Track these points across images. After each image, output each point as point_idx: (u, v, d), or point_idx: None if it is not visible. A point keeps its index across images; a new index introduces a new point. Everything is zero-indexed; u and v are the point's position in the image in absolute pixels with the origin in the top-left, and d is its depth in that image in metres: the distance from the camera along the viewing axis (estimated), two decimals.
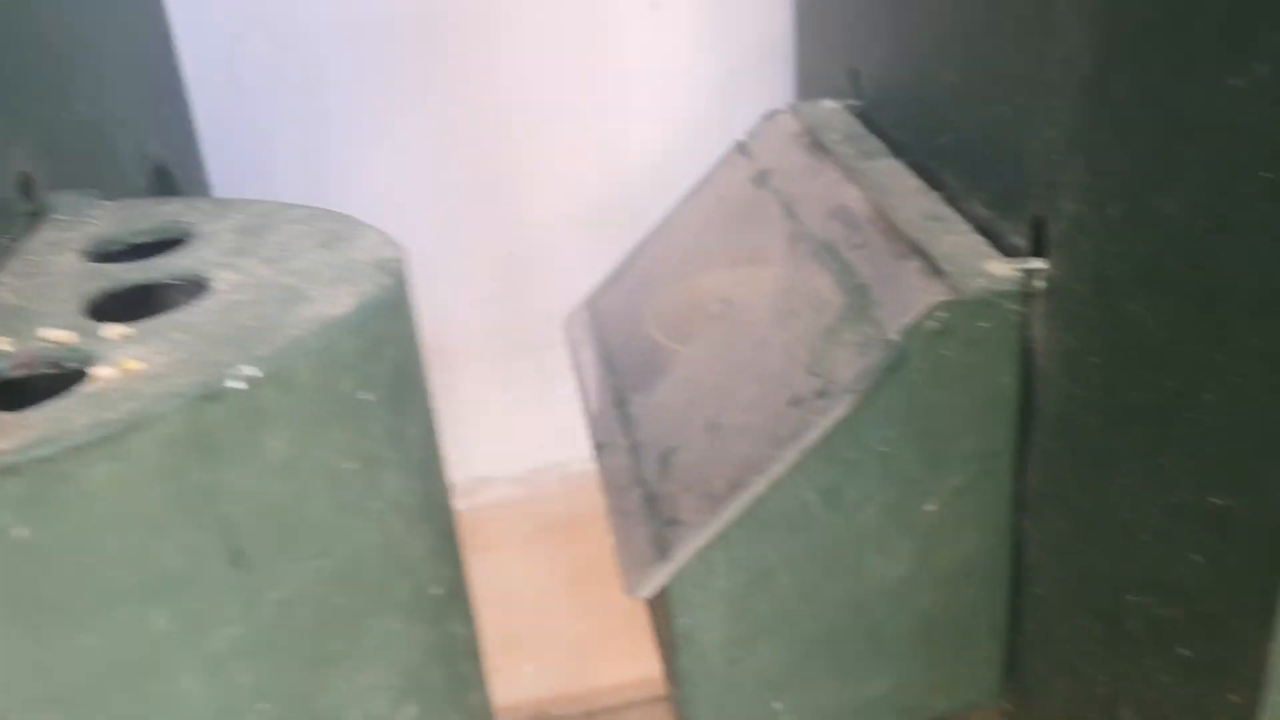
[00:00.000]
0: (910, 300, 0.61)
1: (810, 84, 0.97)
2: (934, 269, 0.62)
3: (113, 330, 0.42)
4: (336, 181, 1.15)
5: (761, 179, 0.82)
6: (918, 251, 0.64)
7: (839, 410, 0.61)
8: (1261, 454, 0.45)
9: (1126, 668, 0.58)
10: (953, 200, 0.69)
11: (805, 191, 0.77)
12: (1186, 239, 0.47)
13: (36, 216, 0.56)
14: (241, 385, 0.38)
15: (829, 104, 0.86)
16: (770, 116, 0.88)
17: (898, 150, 0.78)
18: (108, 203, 0.58)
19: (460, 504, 1.46)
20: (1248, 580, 0.47)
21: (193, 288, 0.46)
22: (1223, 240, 0.45)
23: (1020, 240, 0.62)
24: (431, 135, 1.15)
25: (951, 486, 0.65)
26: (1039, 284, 0.60)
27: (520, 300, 1.23)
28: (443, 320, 1.26)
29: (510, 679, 1.48)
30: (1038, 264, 0.60)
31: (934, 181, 0.72)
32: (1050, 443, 0.62)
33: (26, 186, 0.55)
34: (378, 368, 0.44)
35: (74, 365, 0.40)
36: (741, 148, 0.87)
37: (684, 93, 1.16)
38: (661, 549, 0.64)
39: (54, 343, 0.42)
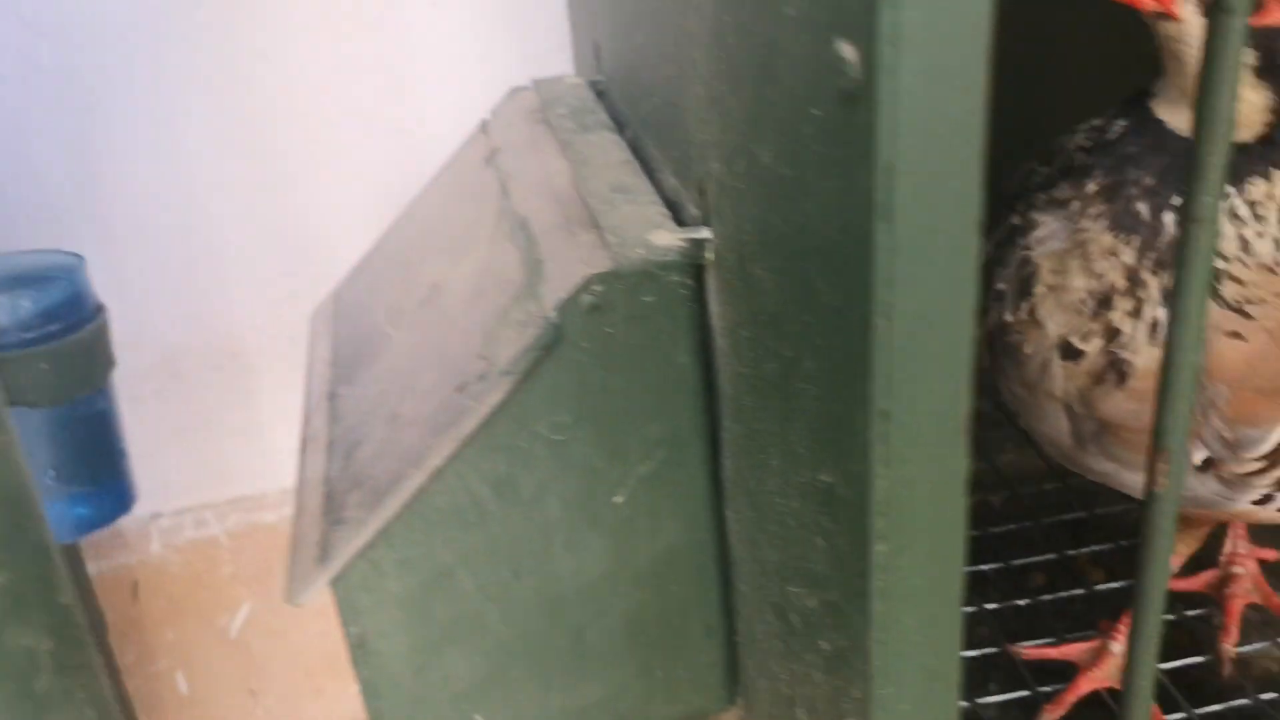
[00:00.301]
0: (571, 275, 0.57)
1: (580, 62, 0.93)
2: (603, 242, 0.58)
3: None
4: (111, 179, 1.09)
5: (491, 157, 0.77)
6: (594, 225, 0.60)
7: (497, 395, 0.57)
8: (843, 422, 0.41)
9: (794, 665, 0.54)
10: (650, 171, 0.65)
11: (521, 168, 0.72)
12: (780, 191, 0.43)
13: None
14: None
15: (571, 79, 0.82)
16: (513, 94, 0.83)
17: (622, 124, 0.73)
18: None
19: (270, 517, 1.39)
20: (853, 564, 0.43)
21: None
22: (799, 188, 0.41)
23: (696, 210, 0.58)
24: (212, 127, 1.09)
25: (639, 476, 0.60)
26: (710, 255, 0.56)
27: (317, 299, 1.17)
28: (237, 322, 1.20)
29: (338, 699, 1.42)
30: (705, 233, 0.56)
31: (640, 153, 0.68)
32: (730, 425, 0.58)
33: None
34: None
35: None
36: (483, 126, 0.83)
37: (479, 82, 1.11)
38: (324, 551, 0.59)
39: None
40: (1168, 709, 0.70)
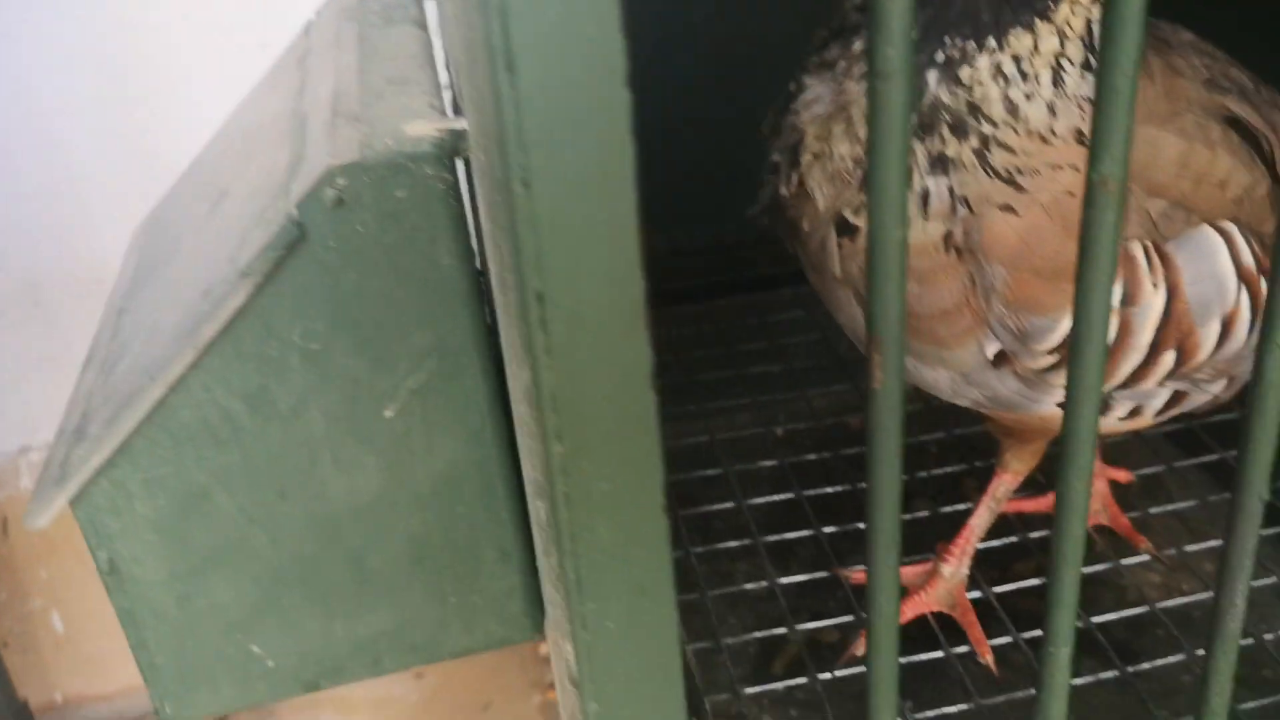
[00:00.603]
0: (316, 169, 0.52)
1: None
2: (359, 134, 0.53)
3: None
4: None
5: (303, 58, 0.72)
6: (357, 118, 0.55)
7: (237, 298, 0.52)
8: (520, 310, 0.36)
9: (546, 586, 0.50)
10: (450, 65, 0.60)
11: (319, 66, 0.67)
12: (466, 60, 0.39)
13: None
14: None
15: None
16: None
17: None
18: None
19: None
20: (544, 467, 0.39)
21: None
22: (470, 62, 0.36)
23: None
24: (61, 43, 1.04)
25: (409, 389, 0.56)
26: (473, 147, 0.51)
27: None
28: (101, 248, 1.16)
29: None
30: (463, 123, 0.51)
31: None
32: (500, 335, 0.53)
33: None
34: None
35: None
36: (306, 28, 0.78)
37: None
38: (64, 470, 0.55)
39: None
40: (995, 633, 0.66)
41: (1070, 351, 0.36)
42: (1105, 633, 0.67)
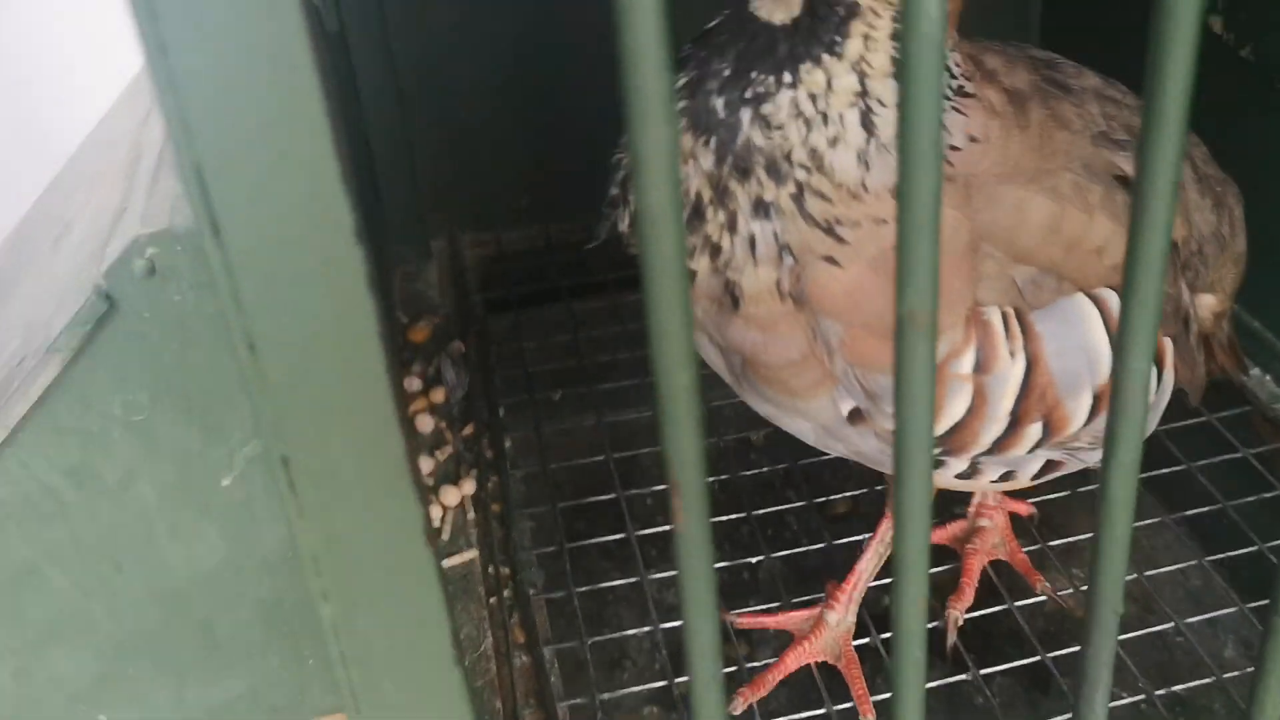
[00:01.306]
0: (128, 233, 0.48)
1: None
2: (178, 189, 0.49)
3: None
4: None
5: None
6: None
7: (46, 375, 0.49)
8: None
9: None
10: None
11: None
12: None
13: None
14: None
15: None
16: None
17: None
18: None
19: None
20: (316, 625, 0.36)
21: None
22: None
23: None
24: None
25: (245, 457, 0.53)
26: None
27: None
28: None
29: None
30: None
31: None
32: None
33: None
34: None
35: None
36: None
37: None
38: None
39: None
40: (882, 687, 0.64)
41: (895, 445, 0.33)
42: (989, 684, 0.65)
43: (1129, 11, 0.81)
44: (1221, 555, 0.71)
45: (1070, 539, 0.73)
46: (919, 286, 0.32)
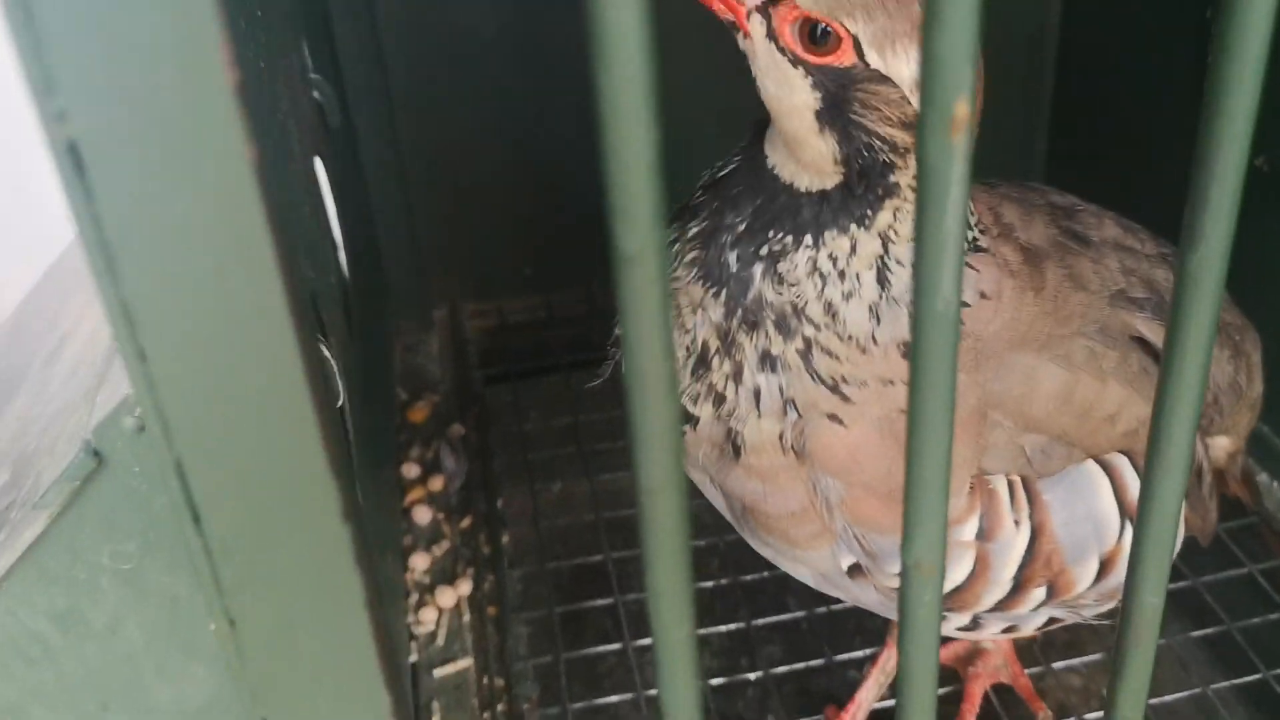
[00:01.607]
0: (120, 387, 0.47)
1: None
2: None
3: None
4: None
5: None
6: None
7: (34, 529, 0.48)
8: None
9: None
10: None
11: None
12: None
13: None
14: None
15: None
16: None
17: None
18: None
19: None
20: None
21: None
22: None
23: None
24: None
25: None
26: None
27: None
28: None
29: None
30: None
31: None
32: None
33: None
34: None
35: None
36: None
37: None
38: None
39: None
40: None
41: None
42: None
43: (1134, 150, 0.80)
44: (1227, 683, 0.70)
45: (1074, 659, 0.72)
46: (928, 537, 0.31)
